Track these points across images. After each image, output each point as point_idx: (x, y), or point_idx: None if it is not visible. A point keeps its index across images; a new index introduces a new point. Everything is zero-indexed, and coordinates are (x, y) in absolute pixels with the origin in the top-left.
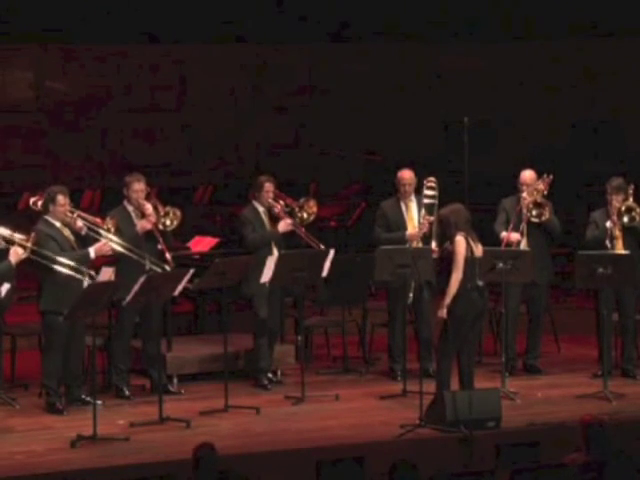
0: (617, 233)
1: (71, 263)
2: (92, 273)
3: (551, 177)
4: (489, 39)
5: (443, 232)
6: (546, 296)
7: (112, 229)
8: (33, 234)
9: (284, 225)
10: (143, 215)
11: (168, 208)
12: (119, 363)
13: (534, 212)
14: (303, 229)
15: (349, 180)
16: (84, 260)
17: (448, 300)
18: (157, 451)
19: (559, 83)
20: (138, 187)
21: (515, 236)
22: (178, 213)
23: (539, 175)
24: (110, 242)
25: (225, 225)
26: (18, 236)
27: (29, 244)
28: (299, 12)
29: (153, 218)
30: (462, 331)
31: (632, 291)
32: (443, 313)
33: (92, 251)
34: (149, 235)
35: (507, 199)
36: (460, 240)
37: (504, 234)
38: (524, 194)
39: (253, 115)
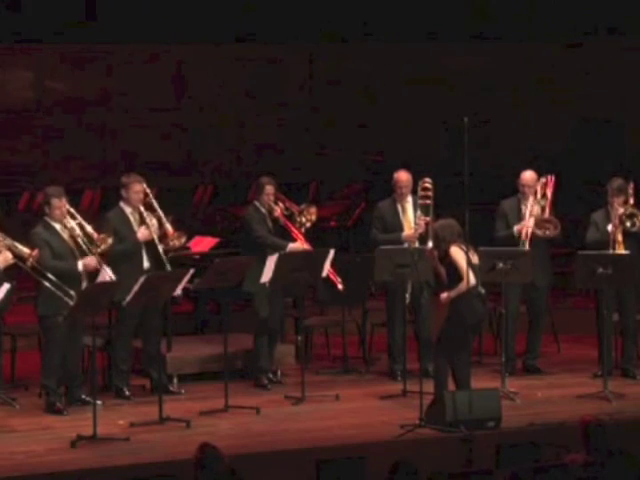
0: (618, 238)
1: (54, 279)
2: (72, 294)
3: (552, 177)
4: (489, 39)
5: (435, 247)
6: (546, 298)
7: (102, 248)
8: (36, 252)
9: (297, 246)
10: (142, 220)
11: (177, 234)
12: (120, 363)
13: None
14: (307, 244)
15: (349, 180)
16: (71, 273)
17: (454, 294)
18: (157, 451)
19: (559, 83)
20: (139, 188)
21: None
22: (183, 240)
23: (539, 175)
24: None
25: (225, 225)
26: (26, 250)
27: (31, 259)
28: (299, 11)
29: (153, 229)
30: (460, 335)
31: (632, 291)
32: (446, 299)
33: (80, 264)
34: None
35: (506, 201)
36: (455, 250)
37: (517, 227)
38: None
39: (253, 115)
